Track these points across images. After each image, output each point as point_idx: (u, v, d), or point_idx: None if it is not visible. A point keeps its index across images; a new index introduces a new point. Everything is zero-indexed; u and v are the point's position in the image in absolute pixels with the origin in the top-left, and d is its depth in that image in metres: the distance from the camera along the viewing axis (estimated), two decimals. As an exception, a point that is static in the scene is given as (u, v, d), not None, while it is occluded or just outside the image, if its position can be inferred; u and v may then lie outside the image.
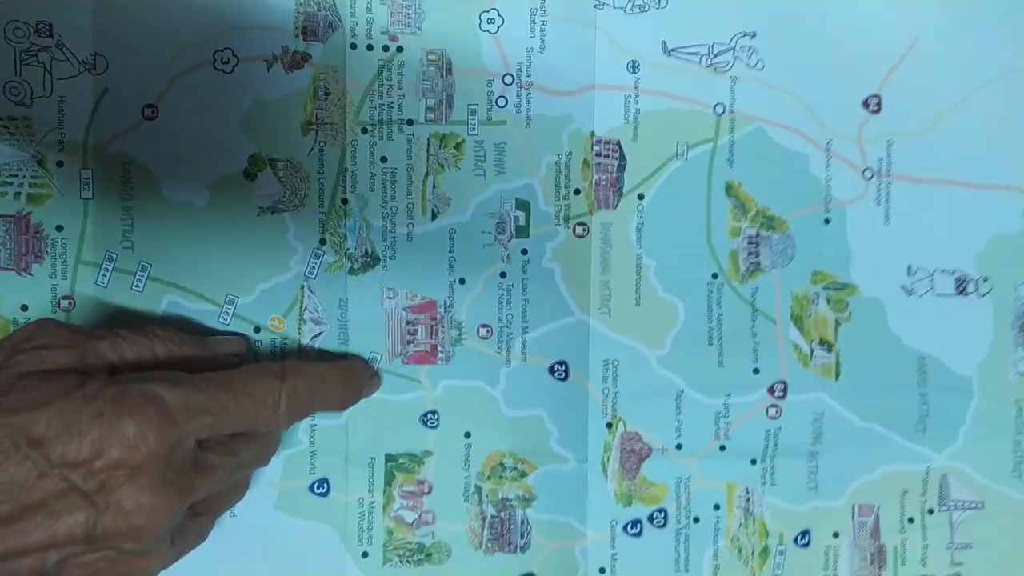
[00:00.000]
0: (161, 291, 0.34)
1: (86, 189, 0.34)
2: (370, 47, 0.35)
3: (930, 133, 0.37)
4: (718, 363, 0.36)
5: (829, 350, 0.37)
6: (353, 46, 0.34)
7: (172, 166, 0.34)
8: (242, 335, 0.34)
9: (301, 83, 0.34)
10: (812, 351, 0.37)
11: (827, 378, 0.37)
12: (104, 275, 0.34)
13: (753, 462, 0.37)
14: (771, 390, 0.37)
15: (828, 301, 0.37)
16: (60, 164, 0.33)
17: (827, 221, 0.37)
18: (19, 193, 0.33)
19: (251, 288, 0.34)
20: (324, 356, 0.35)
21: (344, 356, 0.35)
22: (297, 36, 0.34)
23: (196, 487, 0.28)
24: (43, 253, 0.34)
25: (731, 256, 0.36)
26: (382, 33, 0.35)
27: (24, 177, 0.33)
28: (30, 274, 0.33)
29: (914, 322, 0.37)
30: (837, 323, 0.37)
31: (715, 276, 0.36)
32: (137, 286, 0.34)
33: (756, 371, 0.37)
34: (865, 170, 0.37)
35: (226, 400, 0.29)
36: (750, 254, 0.36)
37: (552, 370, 0.36)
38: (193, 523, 0.30)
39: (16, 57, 0.33)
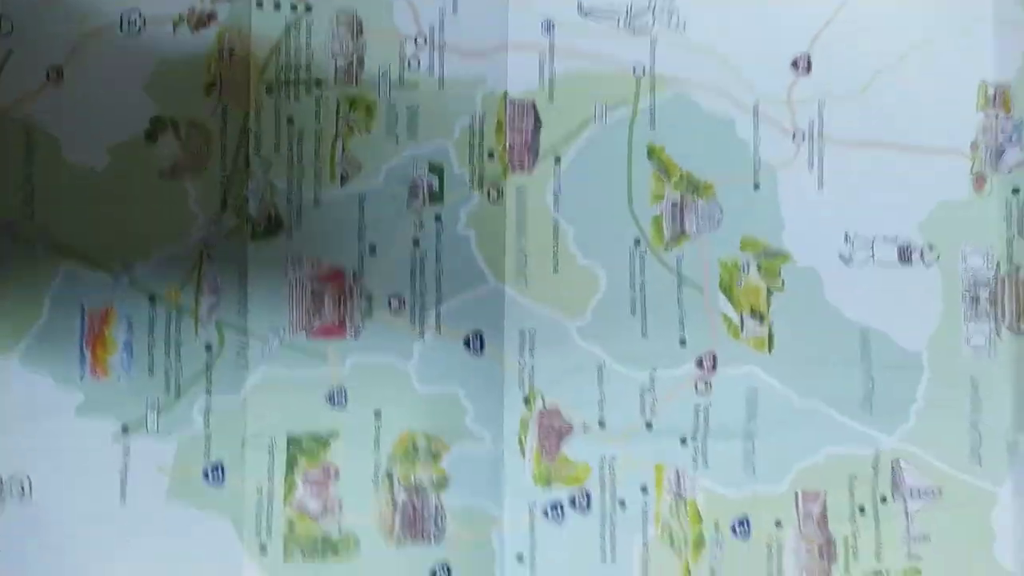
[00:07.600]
0: (57, 261, 0.33)
1: (-16, 154, 0.33)
2: (277, 6, 0.34)
3: (864, 95, 0.35)
4: (642, 334, 0.34)
5: (761, 321, 0.34)
6: (259, 4, 0.34)
7: (74, 129, 0.33)
8: None
9: (206, 43, 0.33)
10: (743, 321, 0.34)
11: (760, 351, 0.34)
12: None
13: (683, 441, 0.34)
14: (699, 363, 0.34)
15: (759, 269, 0.35)
16: (-42, 129, 0.32)
17: (757, 186, 0.35)
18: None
19: (148, 255, 0.33)
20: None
21: None
22: (204, -3, 0.34)
23: None
24: (-63, 220, 0.32)
25: (654, 222, 0.34)
26: (291, -6, 0.34)
27: (-79, 142, 0.32)
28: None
29: (854, 293, 0.34)
30: (769, 292, 0.35)
31: (638, 243, 0.34)
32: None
33: (683, 342, 0.34)
34: (795, 133, 0.35)
35: None
36: (674, 219, 0.34)
37: (467, 343, 0.34)
38: None
39: (-83, 19, 0.32)
